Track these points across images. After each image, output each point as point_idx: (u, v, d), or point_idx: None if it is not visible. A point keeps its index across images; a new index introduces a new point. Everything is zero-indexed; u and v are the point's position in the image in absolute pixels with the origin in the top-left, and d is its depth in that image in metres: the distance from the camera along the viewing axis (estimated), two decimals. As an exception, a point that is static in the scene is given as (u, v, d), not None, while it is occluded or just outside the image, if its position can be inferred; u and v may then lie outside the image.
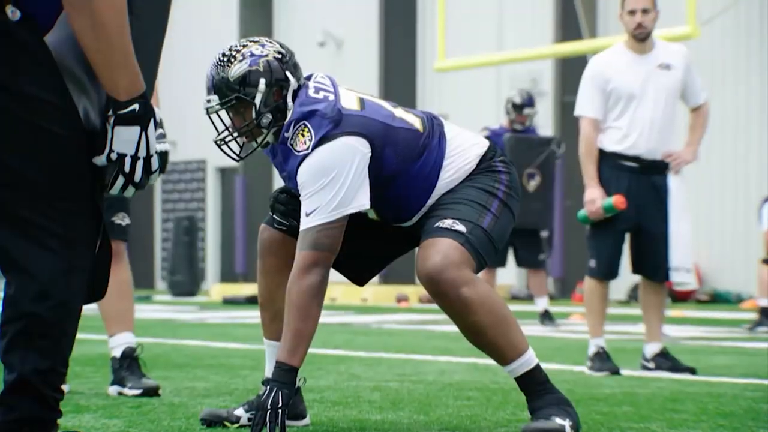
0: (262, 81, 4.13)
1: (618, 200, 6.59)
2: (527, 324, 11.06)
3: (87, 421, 4.43)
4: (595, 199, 6.65)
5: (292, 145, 4.09)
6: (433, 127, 4.24)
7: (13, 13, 2.58)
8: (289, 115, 4.14)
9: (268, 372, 4.32)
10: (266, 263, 4.37)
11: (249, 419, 4.26)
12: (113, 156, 2.66)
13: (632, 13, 6.70)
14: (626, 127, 6.69)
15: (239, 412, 4.32)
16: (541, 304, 11.43)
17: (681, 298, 17.23)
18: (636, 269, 6.85)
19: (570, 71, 19.23)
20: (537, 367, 4.10)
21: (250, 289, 18.73)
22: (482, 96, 20.68)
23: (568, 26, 19.98)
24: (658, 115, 6.70)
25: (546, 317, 11.38)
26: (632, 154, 6.69)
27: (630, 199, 6.64)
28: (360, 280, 4.48)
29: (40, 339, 2.64)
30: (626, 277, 8.57)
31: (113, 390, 5.34)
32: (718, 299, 17.86)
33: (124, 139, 2.65)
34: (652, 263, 6.73)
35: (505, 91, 19.99)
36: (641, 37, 6.71)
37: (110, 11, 2.57)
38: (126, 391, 5.27)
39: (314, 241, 4.02)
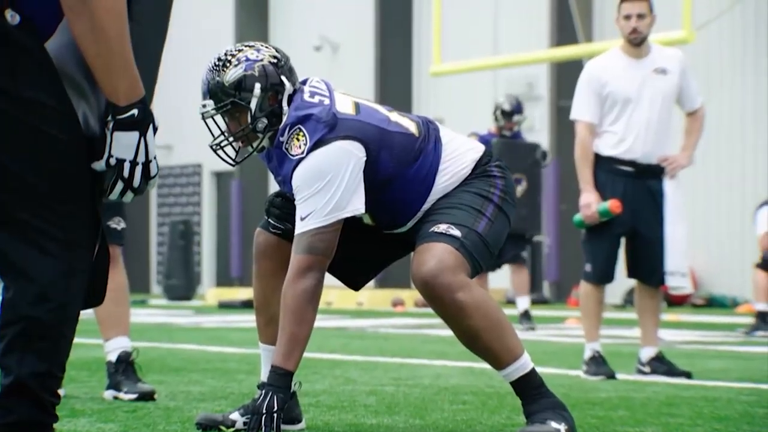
0: (258, 86, 4.14)
1: (613, 204, 6.59)
2: (521, 327, 11.07)
3: (82, 426, 4.43)
4: (590, 203, 6.66)
5: (287, 149, 4.10)
6: (429, 131, 4.25)
7: (12, 17, 2.58)
8: (284, 119, 4.15)
9: (264, 376, 4.32)
10: (261, 267, 4.37)
11: (244, 423, 4.25)
12: (112, 161, 2.66)
13: (628, 18, 6.71)
14: (622, 131, 6.70)
15: (235, 416, 4.32)
16: (523, 304, 11.39)
17: (676, 302, 17.24)
18: (631, 273, 6.85)
19: (566, 75, 19.25)
20: (532, 371, 4.10)
21: (245, 293, 18.72)
22: (478, 100, 20.67)
23: (564, 30, 20.00)
24: (654, 119, 6.70)
25: (525, 318, 11.31)
26: (628, 159, 6.70)
27: (625, 203, 6.64)
28: (355, 284, 4.48)
29: (38, 342, 2.64)
30: (622, 281, 8.55)
31: (109, 394, 5.33)
32: (713, 303, 17.87)
33: (123, 144, 2.65)
34: (648, 267, 6.73)
35: (501, 95, 20.01)
36: (636, 42, 6.72)
37: (110, 15, 2.57)
38: (121, 395, 5.27)
39: (309, 245, 4.02)
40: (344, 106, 4.13)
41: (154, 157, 2.70)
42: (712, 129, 14.88)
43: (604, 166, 6.73)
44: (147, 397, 5.23)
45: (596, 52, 12.28)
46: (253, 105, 4.14)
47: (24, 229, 2.63)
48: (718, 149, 17.79)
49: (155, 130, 2.69)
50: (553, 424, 4.03)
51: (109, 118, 2.64)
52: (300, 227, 4.05)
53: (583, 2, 19.46)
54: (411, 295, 17.91)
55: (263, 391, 4.04)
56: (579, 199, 6.74)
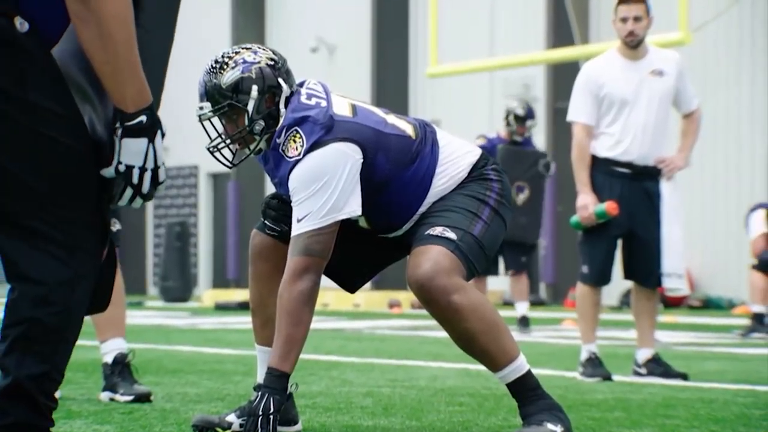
0: (255, 88, 4.14)
1: (610, 206, 6.60)
2: (518, 330, 11.07)
3: (79, 427, 4.43)
4: (587, 204, 6.66)
5: (283, 151, 4.10)
6: (426, 134, 4.25)
7: (21, 24, 2.58)
8: (281, 121, 4.15)
9: (260, 378, 4.31)
10: (258, 269, 4.37)
11: (241, 425, 4.25)
12: (121, 168, 2.66)
13: (624, 20, 6.71)
14: (619, 133, 6.70)
15: (231, 417, 4.32)
16: (521, 309, 11.38)
17: (673, 303, 17.25)
18: (628, 275, 6.85)
19: (562, 77, 19.25)
20: (528, 373, 4.10)
21: (242, 294, 18.72)
22: (475, 102, 20.69)
23: (561, 32, 20.01)
24: (651, 121, 6.71)
25: (522, 323, 11.29)
26: (625, 160, 6.70)
27: (622, 205, 6.65)
28: (351, 287, 4.48)
29: (39, 344, 2.64)
30: (618, 283, 8.57)
31: (105, 396, 5.33)
32: (710, 305, 17.88)
33: (131, 150, 2.65)
34: (645, 269, 6.73)
35: (498, 96, 20.02)
36: (632, 45, 6.72)
37: (116, 21, 2.57)
38: (118, 397, 5.27)
39: (305, 247, 4.02)
40: (341, 108, 4.13)
41: (162, 163, 2.70)
42: (708, 131, 14.89)
43: (601, 167, 6.73)
44: (143, 398, 5.23)
45: (593, 53, 12.28)
46: (250, 107, 4.14)
47: (29, 232, 2.63)
48: (714, 151, 17.80)
49: (163, 135, 2.69)
50: (550, 426, 4.03)
51: (118, 124, 2.64)
52: (296, 229, 4.05)
53: (580, 4, 19.47)
54: (407, 297, 17.92)
55: (259, 393, 4.04)
56: (576, 200, 6.75)
